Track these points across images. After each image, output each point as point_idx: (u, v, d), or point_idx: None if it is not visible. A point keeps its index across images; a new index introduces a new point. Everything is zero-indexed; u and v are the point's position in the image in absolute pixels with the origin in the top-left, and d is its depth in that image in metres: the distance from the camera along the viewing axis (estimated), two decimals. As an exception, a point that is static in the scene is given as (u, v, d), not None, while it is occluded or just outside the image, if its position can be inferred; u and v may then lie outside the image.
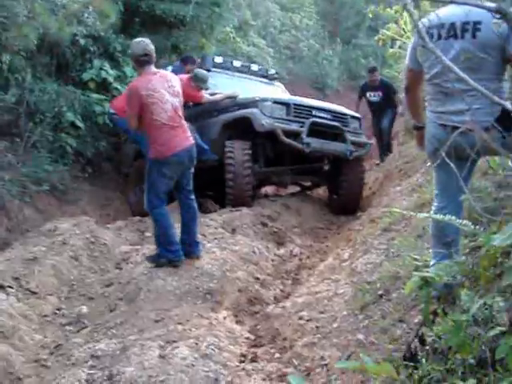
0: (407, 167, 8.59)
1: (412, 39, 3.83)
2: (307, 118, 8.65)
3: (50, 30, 8.12)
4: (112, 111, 9.26)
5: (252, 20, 20.83)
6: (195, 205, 6.15)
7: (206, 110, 9.39)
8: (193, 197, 6.11)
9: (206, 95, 9.20)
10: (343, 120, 9.06)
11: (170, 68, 10.00)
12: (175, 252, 5.83)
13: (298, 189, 10.63)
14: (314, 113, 8.80)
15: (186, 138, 5.88)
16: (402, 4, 1.92)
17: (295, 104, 8.80)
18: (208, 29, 13.24)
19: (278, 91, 10.67)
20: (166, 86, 5.75)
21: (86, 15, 9.54)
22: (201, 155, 8.74)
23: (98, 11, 8.97)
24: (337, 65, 24.51)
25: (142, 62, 5.71)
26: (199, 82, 9.01)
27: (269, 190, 11.20)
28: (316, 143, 8.57)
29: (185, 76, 9.09)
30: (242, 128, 8.74)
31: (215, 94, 9.38)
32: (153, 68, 5.80)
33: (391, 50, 11.44)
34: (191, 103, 9.29)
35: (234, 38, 18.04)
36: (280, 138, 8.33)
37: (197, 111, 9.39)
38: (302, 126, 8.55)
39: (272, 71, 11.36)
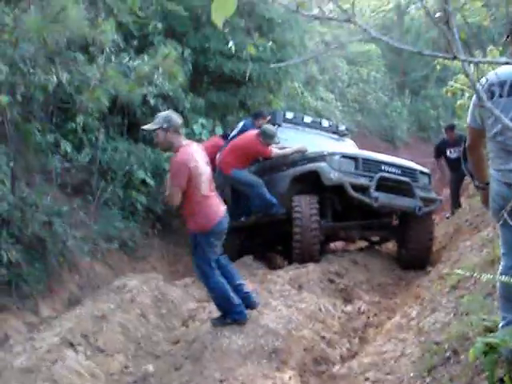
0: (477, 221, 8.41)
1: (473, 97, 3.78)
2: (376, 173, 8.58)
3: (121, 92, 8.37)
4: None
5: (319, 75, 20.99)
6: (228, 260, 6.18)
7: (275, 165, 9.48)
8: (223, 255, 6.11)
9: (274, 150, 9.25)
10: (412, 175, 8.95)
11: (241, 123, 10.15)
12: (240, 313, 5.82)
13: (366, 243, 10.50)
14: (382, 167, 8.73)
15: (221, 204, 5.96)
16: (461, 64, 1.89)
17: (364, 158, 8.76)
18: (275, 85, 13.39)
19: (348, 147, 10.65)
20: (202, 156, 5.83)
21: (155, 76, 9.82)
22: (269, 209, 8.86)
23: (167, 72, 9.20)
24: (406, 116, 24.34)
25: (180, 131, 5.79)
26: (267, 139, 9.08)
27: (337, 244, 11.11)
28: (384, 198, 8.48)
29: (253, 132, 9.21)
30: (311, 182, 8.75)
31: (284, 148, 9.45)
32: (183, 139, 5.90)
33: (460, 102, 11.32)
34: (261, 158, 9.43)
35: (302, 92, 18.19)
36: (348, 191, 8.28)
37: (265, 165, 9.52)
38: (370, 181, 8.48)
39: (342, 127, 11.34)
